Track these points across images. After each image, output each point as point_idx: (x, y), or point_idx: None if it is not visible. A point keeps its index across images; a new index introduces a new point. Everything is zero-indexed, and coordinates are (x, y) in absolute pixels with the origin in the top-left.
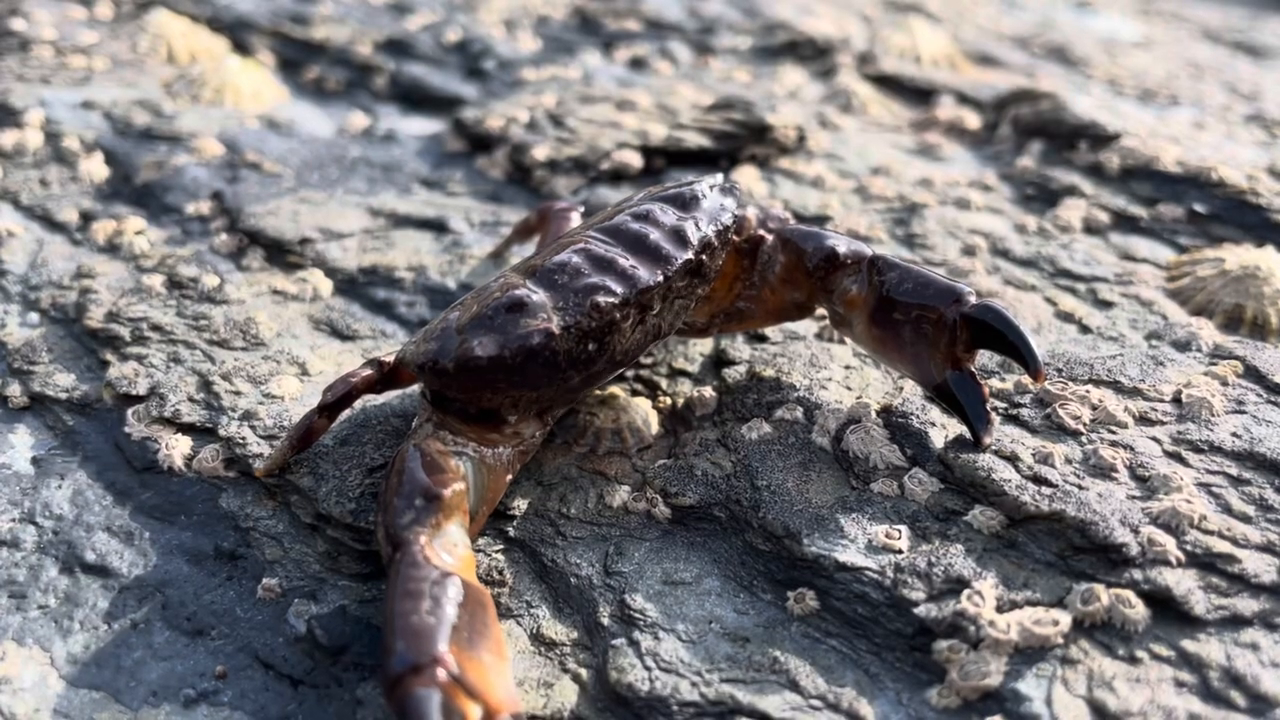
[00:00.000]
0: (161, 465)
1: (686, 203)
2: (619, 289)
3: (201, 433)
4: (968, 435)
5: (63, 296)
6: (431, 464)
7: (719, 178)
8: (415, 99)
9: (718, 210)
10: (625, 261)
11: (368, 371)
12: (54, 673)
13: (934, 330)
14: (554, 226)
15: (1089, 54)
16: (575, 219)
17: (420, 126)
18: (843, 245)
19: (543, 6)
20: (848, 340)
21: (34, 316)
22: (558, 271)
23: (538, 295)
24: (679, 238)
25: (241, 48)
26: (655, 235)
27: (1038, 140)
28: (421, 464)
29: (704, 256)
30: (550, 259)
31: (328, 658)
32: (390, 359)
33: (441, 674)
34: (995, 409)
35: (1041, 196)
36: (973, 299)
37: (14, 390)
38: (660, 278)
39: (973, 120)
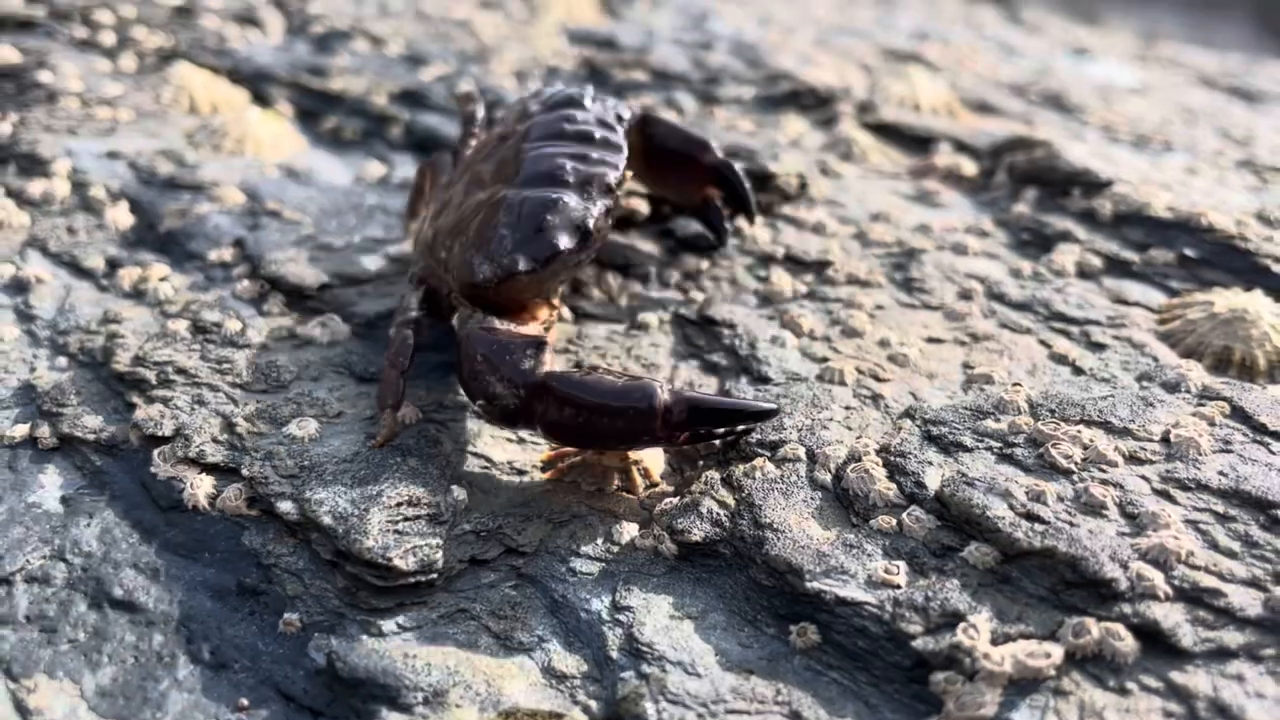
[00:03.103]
0: (186, 504)
1: (584, 105)
2: (612, 171)
3: (225, 472)
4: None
5: (90, 341)
6: (508, 329)
7: (568, 89)
8: (429, 148)
9: (609, 106)
10: (595, 154)
11: (413, 316)
12: (83, 704)
13: (691, 170)
14: (439, 172)
15: (1085, 101)
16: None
17: None
18: (625, 111)
19: (552, 58)
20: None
21: (62, 360)
22: (558, 170)
23: (564, 194)
24: (608, 126)
25: (261, 99)
26: (598, 131)
27: (1033, 187)
28: (504, 332)
29: (628, 140)
30: (530, 168)
31: (347, 690)
32: (415, 314)
33: (672, 388)
34: (990, 449)
35: (1036, 242)
36: (719, 152)
37: (44, 431)
38: (625, 155)
39: (970, 167)
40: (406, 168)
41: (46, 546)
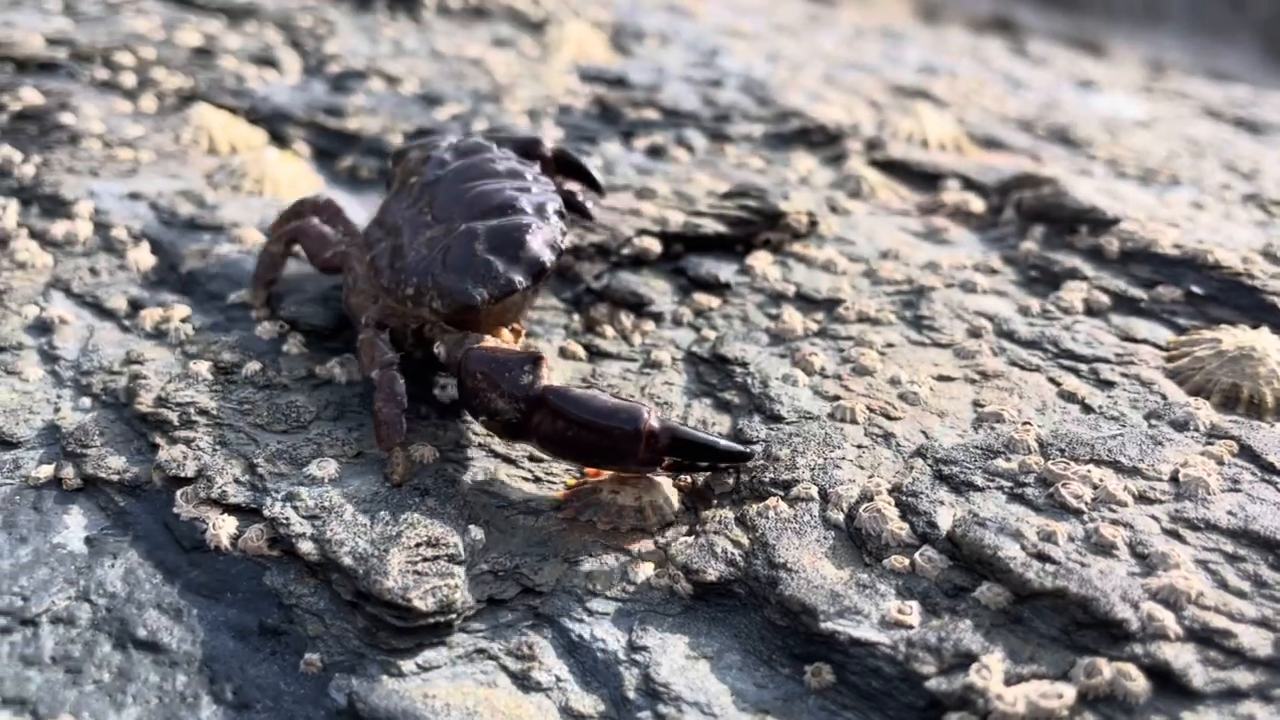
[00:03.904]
0: (209, 544)
1: (494, 150)
2: (555, 201)
3: (247, 513)
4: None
5: (113, 382)
6: (504, 348)
7: (470, 138)
8: None
9: (505, 149)
10: (534, 188)
11: (391, 358)
12: None
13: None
14: (314, 233)
15: (1092, 135)
16: (323, 228)
17: None
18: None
19: (564, 96)
20: None
21: (86, 401)
22: (514, 201)
23: (529, 219)
24: (526, 164)
25: (279, 139)
26: (526, 170)
27: (1040, 224)
28: (500, 351)
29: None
30: (483, 202)
31: None
32: (392, 355)
33: (660, 415)
34: (1001, 488)
35: (1044, 279)
36: (550, 143)
37: (68, 472)
38: (555, 186)
39: (977, 204)
40: None
41: (71, 587)
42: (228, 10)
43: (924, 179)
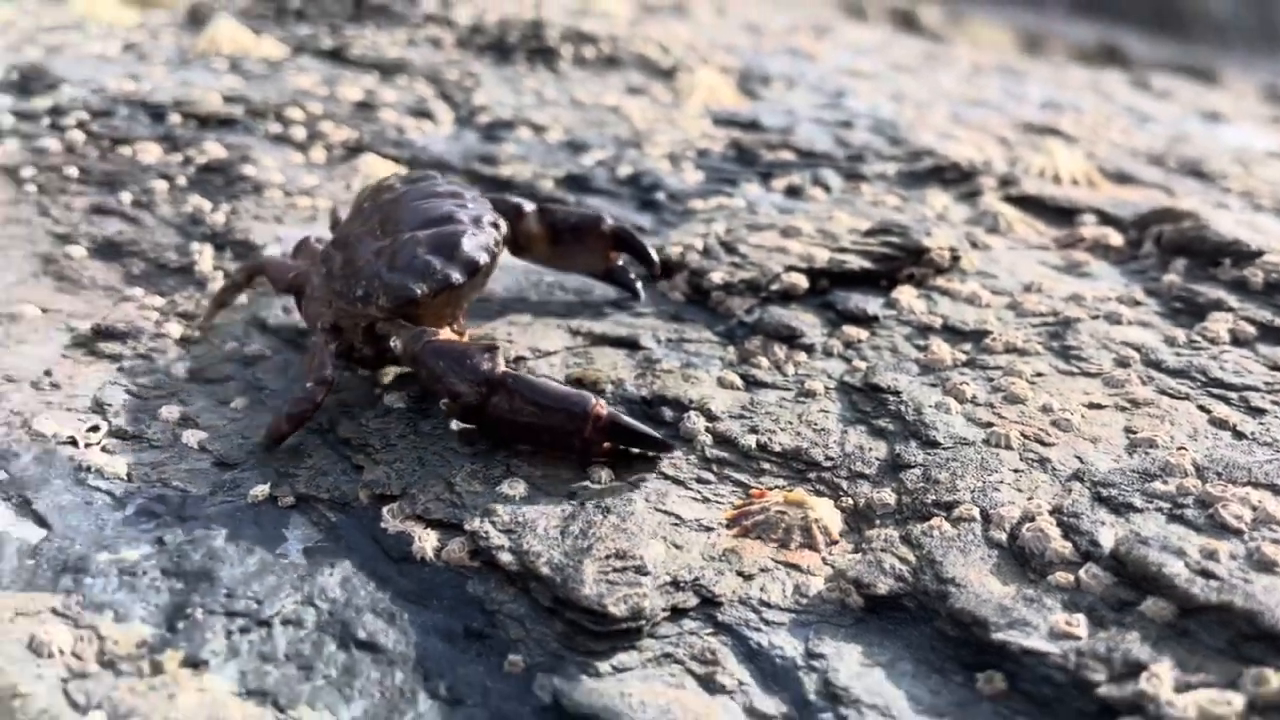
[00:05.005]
0: (415, 556)
1: (437, 175)
2: (490, 213)
3: (448, 528)
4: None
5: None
6: (461, 340)
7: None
8: None
9: (459, 184)
10: (472, 205)
11: (328, 375)
12: None
13: (593, 241)
14: (273, 264)
15: (1224, 168)
16: (281, 259)
17: None
18: (521, 203)
19: (701, 140)
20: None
21: None
22: (454, 212)
23: (466, 227)
24: (466, 188)
25: None
26: (466, 191)
27: (1181, 257)
28: (458, 342)
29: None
30: (423, 215)
31: None
32: (330, 373)
33: (609, 404)
34: (1160, 509)
35: (1188, 310)
36: (610, 221)
37: (282, 491)
38: (491, 206)
39: (1116, 238)
40: None
41: (297, 593)
42: (379, 66)
43: (1059, 214)
